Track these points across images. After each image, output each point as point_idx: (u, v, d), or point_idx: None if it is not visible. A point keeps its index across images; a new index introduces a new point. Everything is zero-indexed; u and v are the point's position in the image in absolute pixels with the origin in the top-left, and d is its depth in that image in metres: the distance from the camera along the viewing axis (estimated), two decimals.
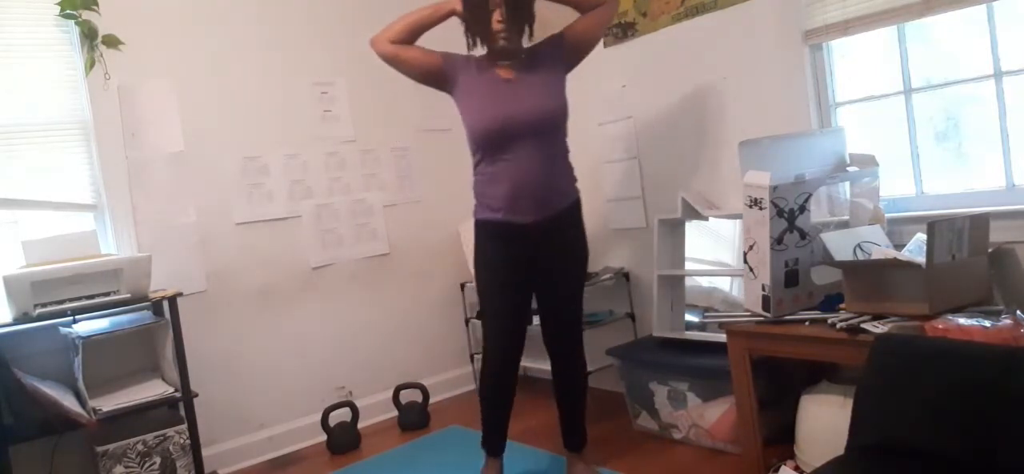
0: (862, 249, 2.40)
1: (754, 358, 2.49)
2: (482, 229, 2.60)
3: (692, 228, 3.25)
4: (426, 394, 3.83)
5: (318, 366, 3.76)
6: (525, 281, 2.58)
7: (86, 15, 3.12)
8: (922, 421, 1.71)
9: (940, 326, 1.97)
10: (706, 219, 3.14)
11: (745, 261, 2.45)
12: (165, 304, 2.99)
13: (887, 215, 2.60)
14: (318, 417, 3.58)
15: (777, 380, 2.67)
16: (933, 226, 2.07)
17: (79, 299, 2.74)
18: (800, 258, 2.41)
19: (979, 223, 2.19)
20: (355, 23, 3.86)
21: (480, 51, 2.60)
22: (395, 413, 3.84)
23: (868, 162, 2.63)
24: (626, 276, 3.70)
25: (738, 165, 2.47)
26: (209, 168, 3.48)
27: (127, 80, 3.26)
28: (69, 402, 2.72)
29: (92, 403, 2.77)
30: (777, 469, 2.46)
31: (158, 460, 2.87)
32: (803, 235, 2.40)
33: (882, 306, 2.20)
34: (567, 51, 2.61)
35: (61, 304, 2.71)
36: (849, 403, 1.91)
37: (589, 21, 2.60)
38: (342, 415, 3.61)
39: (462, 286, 4.23)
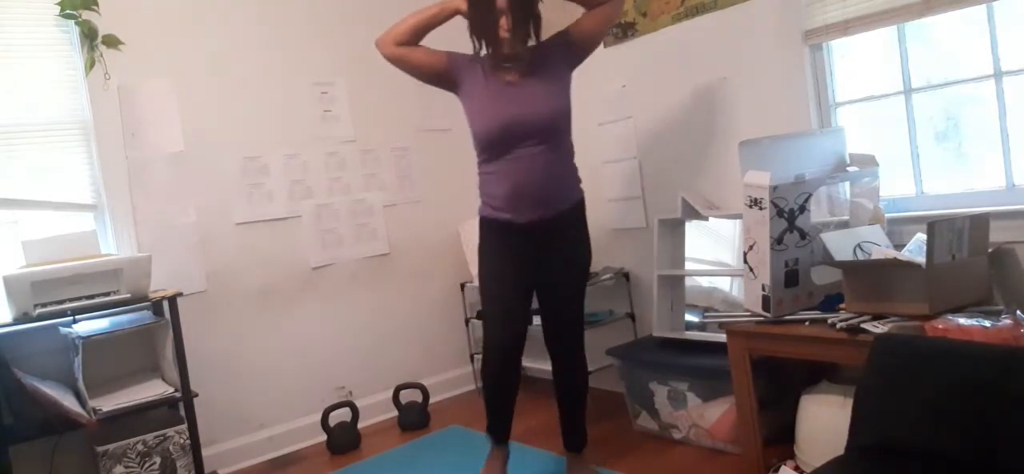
0: (862, 249, 2.40)
1: (754, 358, 2.49)
2: (485, 225, 2.62)
3: (692, 228, 3.25)
4: (426, 394, 3.83)
5: (318, 366, 3.76)
6: (526, 276, 2.57)
7: (86, 15, 3.12)
8: (922, 421, 1.71)
9: (940, 326, 1.97)
10: (706, 219, 3.14)
11: (745, 261, 2.45)
12: (165, 304, 2.99)
13: (887, 215, 2.60)
14: (318, 417, 3.58)
15: (777, 380, 2.67)
16: (933, 226, 2.07)
17: (79, 299, 2.74)
18: (800, 258, 2.41)
19: (979, 223, 2.19)
20: (355, 23, 3.87)
21: (485, 51, 2.60)
22: (395, 413, 3.84)
23: (868, 162, 2.63)
24: (626, 276, 3.70)
25: (738, 165, 2.47)
26: (209, 168, 3.47)
27: (127, 80, 3.26)
28: (69, 402, 2.72)
29: (92, 403, 2.77)
30: (777, 469, 2.46)
31: (158, 460, 2.87)
32: (803, 235, 2.40)
33: (882, 306, 2.20)
34: (572, 49, 2.60)
35: (61, 304, 2.71)
36: (849, 403, 1.91)
37: (595, 18, 2.58)
38: (342, 415, 3.61)
39: (462, 286, 4.23)
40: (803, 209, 2.39)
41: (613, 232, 3.73)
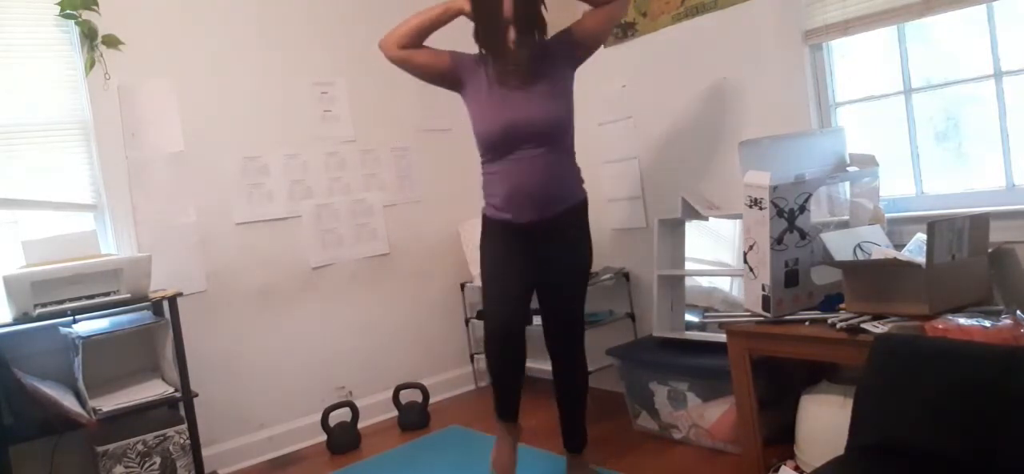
0: (862, 249, 2.40)
1: (754, 358, 2.49)
2: (488, 224, 2.63)
3: (692, 228, 3.25)
4: (426, 394, 3.83)
5: (318, 366, 3.76)
6: (526, 274, 2.56)
7: (86, 15, 3.12)
8: (922, 421, 1.71)
9: (940, 326, 1.97)
10: (706, 219, 3.14)
11: (745, 261, 2.45)
12: (165, 304, 2.99)
13: (887, 215, 2.60)
14: (318, 417, 3.58)
15: (777, 380, 2.67)
16: (933, 226, 2.08)
17: (79, 299, 2.74)
18: (800, 258, 2.41)
19: (979, 223, 2.19)
20: (355, 23, 3.87)
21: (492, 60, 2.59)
22: (395, 413, 3.84)
23: (868, 162, 2.63)
24: (626, 276, 3.70)
25: (738, 165, 2.47)
26: (209, 168, 3.47)
27: (127, 80, 3.26)
28: (69, 402, 2.72)
29: (92, 403, 2.77)
30: (777, 469, 2.46)
31: (158, 460, 2.87)
32: (803, 235, 2.40)
33: (882, 306, 2.20)
34: (575, 48, 2.60)
35: (61, 304, 2.71)
36: (849, 403, 1.91)
37: (598, 18, 2.57)
38: (342, 415, 3.61)
39: (462, 286, 4.23)
40: (803, 209, 2.39)
41: (613, 232, 3.73)
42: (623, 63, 3.57)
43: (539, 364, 3.18)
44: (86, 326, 2.84)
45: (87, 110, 3.18)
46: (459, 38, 2.63)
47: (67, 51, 3.15)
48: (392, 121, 4.04)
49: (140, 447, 2.84)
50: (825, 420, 2.35)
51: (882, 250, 2.37)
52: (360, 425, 3.65)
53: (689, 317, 3.23)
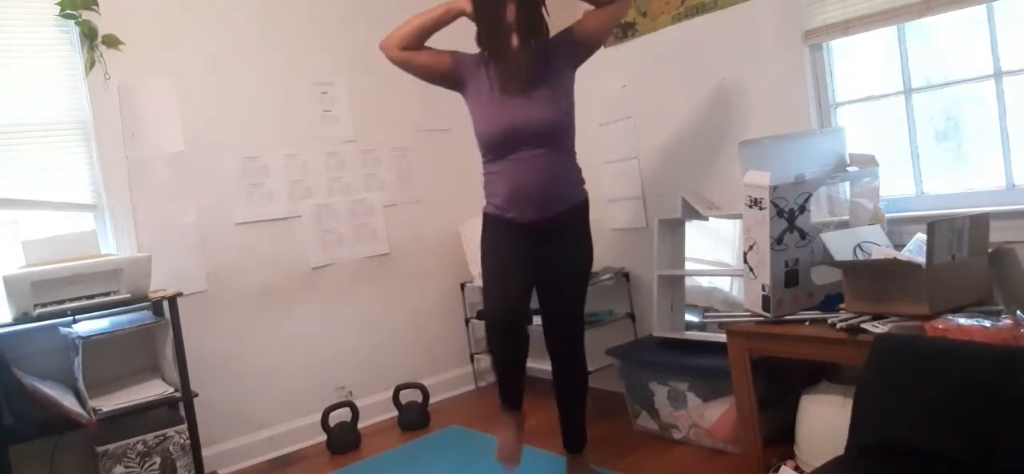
0: (862, 249, 2.40)
1: (754, 358, 2.49)
2: (489, 221, 2.63)
3: (692, 228, 3.25)
4: (426, 394, 3.83)
5: (318, 366, 3.76)
6: (527, 271, 2.55)
7: (86, 15, 3.12)
8: (922, 421, 1.71)
9: (940, 326, 1.97)
10: (706, 219, 3.14)
11: (745, 261, 2.45)
12: (165, 304, 2.99)
13: (887, 215, 2.60)
14: (318, 417, 3.58)
15: (777, 380, 2.67)
16: (933, 226, 2.08)
17: (79, 299, 2.74)
18: (800, 258, 2.41)
19: (979, 223, 2.19)
20: (355, 23, 3.87)
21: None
22: (395, 413, 3.84)
23: (868, 162, 2.63)
24: (626, 276, 3.70)
25: (738, 165, 2.47)
26: (209, 168, 3.47)
27: (127, 80, 3.26)
28: (69, 402, 2.72)
29: (92, 403, 2.77)
30: (777, 469, 2.46)
31: (158, 460, 2.87)
32: (803, 235, 2.40)
33: (882, 306, 2.20)
34: (576, 48, 2.60)
35: (61, 304, 2.71)
36: (849, 403, 1.91)
37: (600, 18, 2.56)
38: (342, 415, 3.61)
39: (462, 286, 4.23)
40: (803, 209, 2.39)
41: (613, 232, 3.73)
42: (623, 63, 3.57)
43: (539, 364, 3.18)
44: (86, 326, 2.84)
45: (87, 110, 3.18)
46: (461, 38, 2.63)
47: (67, 51, 3.15)
48: (392, 121, 4.04)
49: (140, 447, 2.84)
50: (825, 420, 2.35)
51: (882, 250, 2.37)
52: (360, 425, 3.65)
53: (689, 317, 3.23)
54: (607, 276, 3.63)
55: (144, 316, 2.99)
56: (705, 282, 3.26)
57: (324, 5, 3.85)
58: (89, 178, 3.21)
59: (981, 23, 2.47)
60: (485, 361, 4.29)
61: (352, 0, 3.91)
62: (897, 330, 2.06)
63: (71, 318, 2.77)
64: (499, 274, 2.56)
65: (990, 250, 2.24)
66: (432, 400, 3.88)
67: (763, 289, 2.39)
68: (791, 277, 2.40)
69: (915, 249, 2.31)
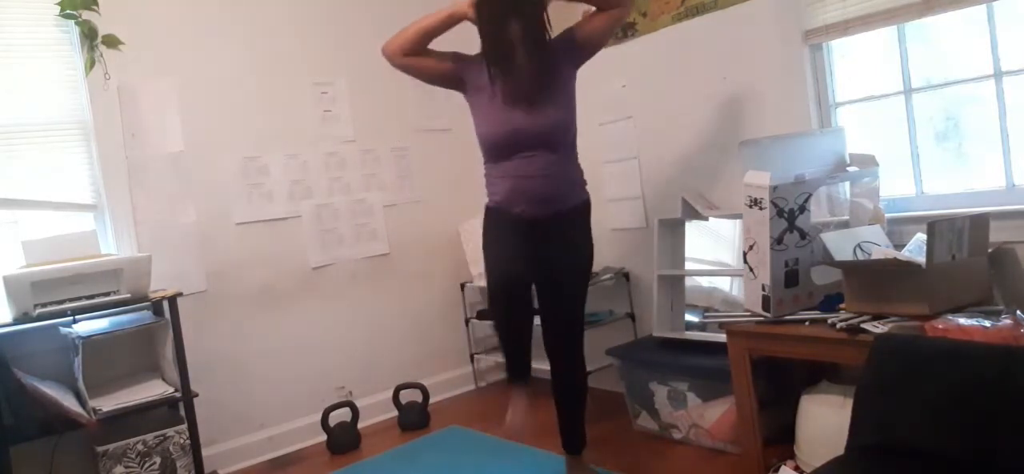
0: (862, 249, 2.40)
1: (754, 358, 2.49)
2: (491, 214, 2.62)
3: (692, 228, 3.25)
4: (426, 394, 3.83)
5: (318, 366, 3.76)
6: (528, 262, 2.53)
7: (86, 15, 3.12)
8: (922, 421, 1.71)
9: (940, 326, 1.97)
10: (706, 219, 3.14)
11: (745, 261, 2.45)
12: (165, 304, 2.98)
13: (887, 215, 2.59)
14: (318, 417, 3.58)
15: (777, 380, 2.66)
16: (933, 226, 2.08)
17: (79, 299, 2.74)
18: (800, 258, 2.41)
19: (979, 223, 2.19)
20: (355, 23, 3.87)
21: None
22: (395, 413, 3.84)
23: (868, 162, 2.63)
24: (626, 276, 3.70)
25: (738, 165, 2.46)
26: (209, 168, 3.47)
27: (127, 80, 3.26)
28: (69, 402, 2.72)
29: (92, 403, 2.77)
30: (777, 469, 2.46)
31: (158, 460, 2.87)
32: (803, 235, 2.40)
33: (882, 306, 2.20)
34: (578, 50, 2.59)
35: (61, 304, 2.71)
36: (849, 403, 1.91)
37: (603, 22, 2.55)
38: (342, 415, 3.61)
39: (462, 286, 4.23)
40: (803, 209, 2.39)
41: (613, 232, 3.73)
42: (623, 63, 3.57)
43: (539, 364, 3.18)
44: (86, 326, 2.84)
45: (87, 110, 3.18)
46: (465, 39, 2.62)
47: (67, 51, 3.15)
48: (392, 121, 4.04)
49: (140, 447, 2.84)
50: (825, 420, 2.35)
51: (882, 250, 2.37)
52: (360, 425, 3.65)
53: (689, 317, 3.23)
54: (607, 276, 3.63)
55: (144, 316, 2.99)
56: (705, 282, 3.26)
57: (324, 5, 3.85)
58: (89, 178, 3.21)
59: (981, 23, 2.47)
60: (485, 361, 4.29)
61: (352, 0, 3.91)
62: (897, 330, 2.06)
63: (71, 318, 2.77)
64: (500, 246, 2.54)
65: (990, 250, 2.24)
66: (432, 400, 3.88)
67: (763, 289, 2.39)
68: (791, 277, 2.40)
69: (915, 249, 2.31)
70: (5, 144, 3.00)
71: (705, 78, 3.24)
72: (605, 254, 3.70)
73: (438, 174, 4.19)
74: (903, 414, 1.75)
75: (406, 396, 3.84)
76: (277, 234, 3.67)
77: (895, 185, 2.74)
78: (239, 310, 3.54)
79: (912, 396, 1.74)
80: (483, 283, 3.98)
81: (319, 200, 3.79)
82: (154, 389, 2.95)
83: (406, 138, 4.11)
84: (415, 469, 3.21)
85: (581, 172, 2.65)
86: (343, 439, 3.54)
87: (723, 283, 3.18)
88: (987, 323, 1.92)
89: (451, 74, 2.61)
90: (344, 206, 3.88)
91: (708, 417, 2.89)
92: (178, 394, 2.95)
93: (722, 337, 2.59)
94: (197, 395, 3.01)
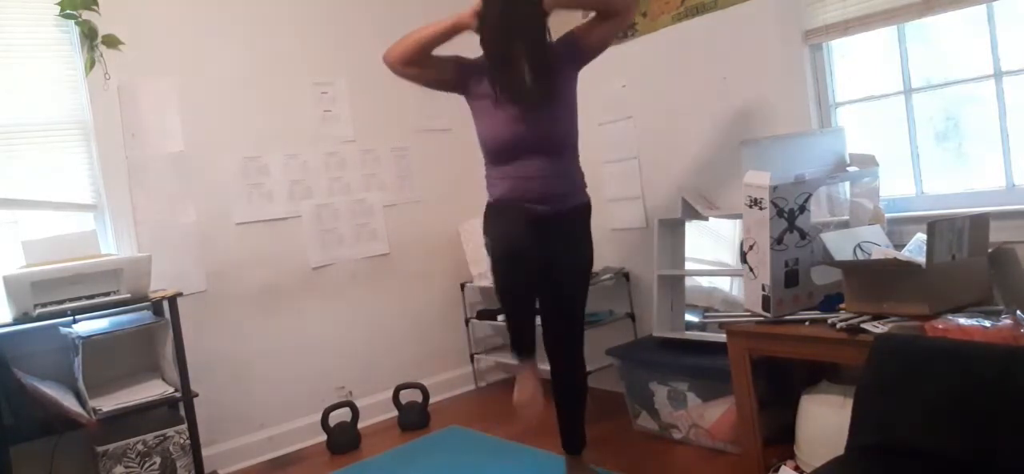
0: (862, 249, 2.40)
1: (754, 358, 2.49)
2: (492, 209, 2.60)
3: (692, 228, 3.25)
4: (426, 394, 3.83)
5: (318, 366, 3.76)
6: (532, 238, 2.47)
7: (86, 15, 3.12)
8: (922, 421, 1.71)
9: (940, 326, 1.97)
10: (706, 219, 3.14)
11: (744, 261, 2.45)
12: (165, 304, 2.98)
13: (887, 215, 2.59)
14: (318, 417, 3.58)
15: (777, 380, 2.66)
16: (933, 226, 2.07)
17: (79, 299, 2.74)
18: (800, 258, 2.41)
19: (979, 223, 2.19)
20: (355, 23, 3.87)
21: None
22: (395, 413, 3.84)
23: (868, 162, 2.63)
24: (626, 276, 3.70)
25: (739, 165, 2.47)
26: (209, 168, 3.48)
27: (127, 80, 3.26)
28: (69, 402, 2.72)
29: (92, 403, 2.77)
30: (777, 469, 2.46)
31: (158, 460, 2.87)
32: (803, 235, 2.40)
33: (882, 306, 2.20)
34: (579, 54, 2.57)
35: (61, 304, 2.71)
36: (849, 403, 1.90)
37: (606, 29, 2.54)
38: (342, 415, 3.61)
39: (462, 286, 4.23)
40: (803, 209, 2.39)
41: (613, 232, 3.73)
42: (623, 63, 3.56)
43: (539, 364, 3.18)
44: (86, 326, 2.84)
45: (87, 110, 3.18)
46: (466, 41, 2.61)
47: (67, 51, 3.15)
48: (392, 121, 4.04)
49: (140, 447, 2.84)
50: (825, 420, 2.35)
51: (882, 250, 2.37)
52: (360, 425, 3.65)
53: (689, 317, 3.23)
54: (607, 276, 3.63)
55: (144, 316, 3.00)
56: (705, 282, 3.26)
57: (324, 5, 3.86)
58: (89, 178, 3.21)
59: (981, 23, 2.47)
60: (485, 361, 4.29)
61: (352, 0, 3.91)
62: (897, 330, 2.06)
63: (71, 318, 2.77)
64: (505, 221, 2.50)
65: (990, 250, 2.24)
66: (432, 400, 3.88)
67: (763, 289, 2.39)
68: (791, 277, 2.40)
69: (915, 249, 2.30)
70: (5, 144, 3.00)
71: (705, 78, 3.24)
72: (605, 254, 3.70)
73: (438, 174, 4.19)
74: (903, 414, 1.75)
75: (406, 396, 3.84)
76: (277, 234, 3.67)
77: (895, 185, 2.74)
78: (239, 310, 3.54)
79: (912, 396, 1.74)
80: (483, 283, 4.02)
81: (319, 200, 3.80)
82: (154, 389, 2.95)
83: (406, 138, 4.11)
84: (415, 469, 3.21)
85: (582, 174, 2.65)
86: (343, 439, 3.54)
87: (723, 283, 3.18)
88: (987, 323, 1.92)
89: (453, 81, 2.61)
90: (344, 206, 3.88)
91: (708, 417, 2.89)
92: (178, 394, 2.95)
93: (722, 337, 2.59)
94: (197, 395, 3.01)
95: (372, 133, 3.98)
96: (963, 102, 2.65)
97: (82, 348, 2.73)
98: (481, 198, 2.66)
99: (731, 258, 3.12)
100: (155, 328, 3.01)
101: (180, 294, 3.04)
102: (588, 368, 2.77)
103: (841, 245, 2.39)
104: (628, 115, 3.60)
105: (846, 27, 2.74)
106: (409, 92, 3.54)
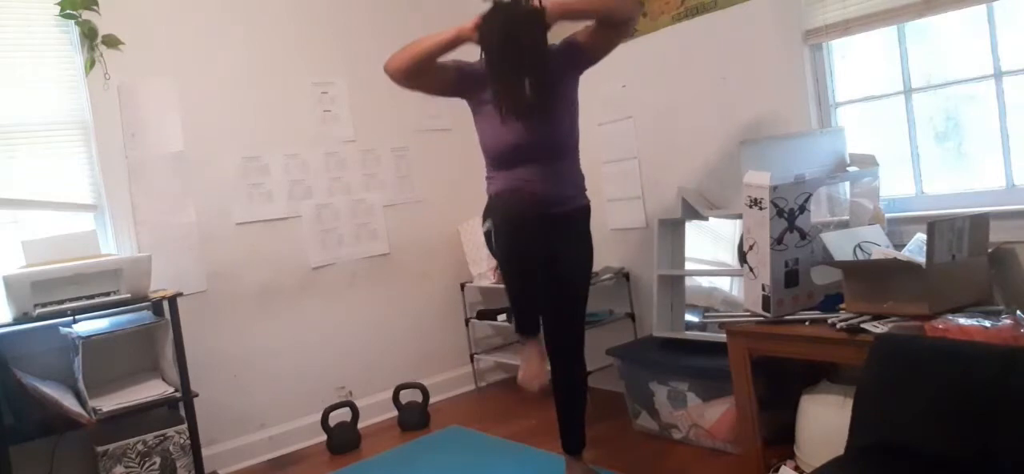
0: (862, 249, 2.40)
1: (754, 358, 2.49)
2: (494, 196, 2.59)
3: (692, 228, 3.25)
4: (426, 394, 3.83)
5: (318, 366, 3.76)
6: (534, 219, 2.47)
7: (86, 15, 3.12)
8: (922, 421, 1.71)
9: (940, 326, 1.97)
10: (706, 219, 3.14)
11: (744, 261, 2.45)
12: (165, 304, 2.98)
13: (887, 215, 2.59)
14: (318, 417, 3.58)
15: (777, 380, 2.66)
16: (933, 226, 2.07)
17: (79, 299, 2.74)
18: (800, 258, 2.41)
19: (979, 223, 2.19)
20: (355, 23, 3.87)
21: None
22: (395, 413, 3.84)
23: (868, 162, 2.63)
24: (626, 276, 3.70)
25: (738, 165, 2.46)
26: (209, 168, 3.47)
27: (127, 80, 3.26)
28: (69, 402, 2.72)
29: (92, 403, 2.77)
30: (777, 469, 2.46)
31: (158, 460, 2.87)
32: (803, 235, 2.40)
33: (882, 306, 2.20)
34: (581, 60, 2.57)
35: (61, 304, 2.71)
36: (849, 403, 1.90)
37: (608, 37, 2.52)
38: (342, 415, 3.61)
39: (462, 286, 4.23)
40: (803, 209, 2.39)
41: (613, 232, 3.73)
42: (623, 63, 3.54)
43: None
44: (86, 326, 2.84)
45: (87, 110, 3.18)
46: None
47: (67, 51, 3.15)
48: (392, 121, 4.04)
49: (140, 447, 2.84)
50: (825, 420, 2.35)
51: (882, 250, 2.37)
52: (360, 425, 3.65)
53: (689, 317, 3.22)
54: (607, 276, 3.63)
55: (144, 316, 2.99)
56: (705, 282, 3.26)
57: (324, 5, 3.85)
58: (89, 178, 3.21)
59: (981, 23, 2.47)
60: (485, 361, 4.29)
61: (352, 0, 3.91)
62: (897, 330, 2.06)
63: (71, 318, 2.78)
64: (508, 205, 2.48)
65: (990, 250, 2.24)
66: (432, 400, 3.88)
67: (763, 289, 2.39)
68: (791, 277, 2.40)
69: (915, 249, 2.30)
70: (5, 144, 3.00)
71: (705, 78, 3.24)
72: (605, 254, 3.70)
73: (438, 174, 4.19)
74: (903, 414, 1.74)
75: (406, 396, 3.84)
76: (277, 234, 3.67)
77: (895, 185, 2.74)
78: (239, 310, 3.54)
79: (912, 396, 1.74)
80: (483, 283, 4.02)
81: (319, 200, 3.79)
82: (154, 389, 2.95)
83: (406, 138, 4.11)
84: (415, 469, 3.21)
85: (582, 177, 2.65)
86: (343, 439, 3.54)
87: (723, 283, 3.18)
88: (987, 323, 1.92)
89: (455, 88, 2.61)
90: (344, 206, 3.88)
91: (708, 417, 2.89)
92: (178, 394, 2.95)
93: (722, 337, 2.59)
94: (197, 395, 3.01)
95: (372, 133, 3.98)
96: (963, 102, 2.65)
97: (82, 348, 2.73)
98: (481, 198, 2.66)
99: (731, 258, 3.12)
100: (155, 328, 3.01)
101: (180, 294, 3.04)
102: (588, 368, 2.77)
103: (841, 245, 2.39)
104: (628, 115, 3.60)
105: (846, 27, 2.74)
106: (409, 92, 3.55)
